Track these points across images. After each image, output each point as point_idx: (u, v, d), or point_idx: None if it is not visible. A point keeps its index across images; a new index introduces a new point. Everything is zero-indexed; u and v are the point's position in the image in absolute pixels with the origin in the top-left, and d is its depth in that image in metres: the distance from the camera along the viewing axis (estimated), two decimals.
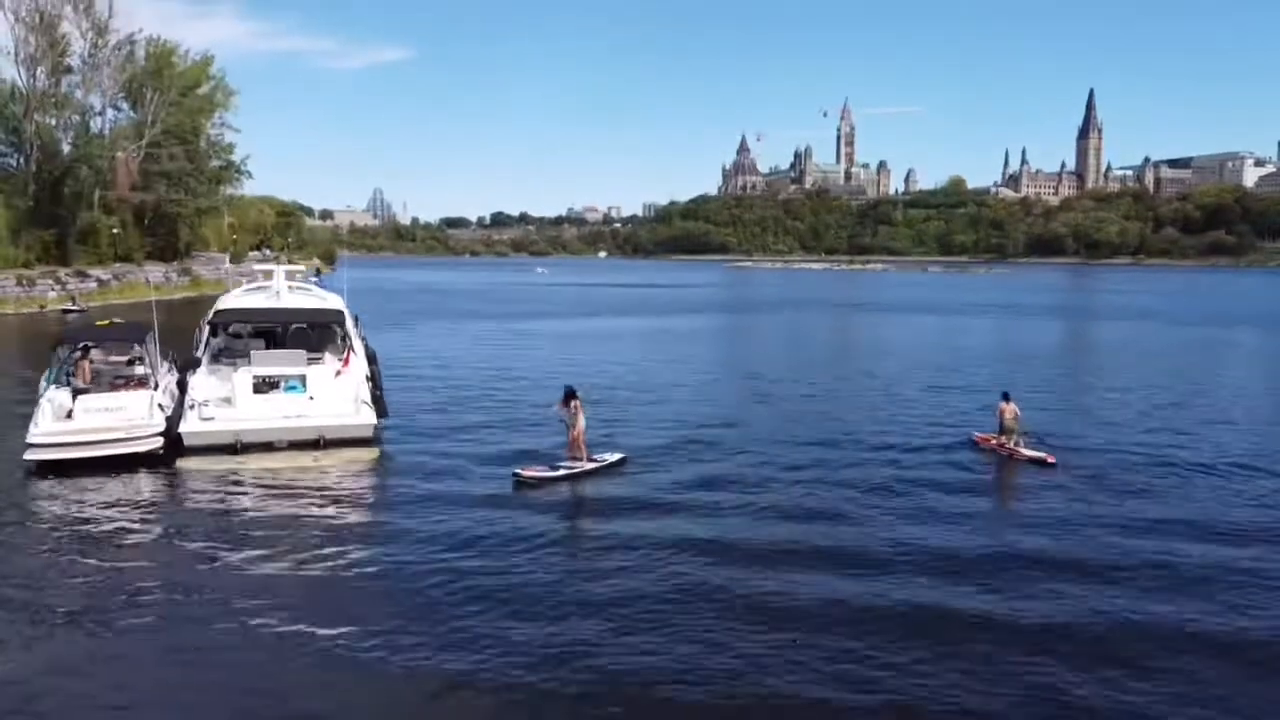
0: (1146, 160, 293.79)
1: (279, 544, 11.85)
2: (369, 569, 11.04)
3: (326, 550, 11.64)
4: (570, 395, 16.24)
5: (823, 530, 12.96)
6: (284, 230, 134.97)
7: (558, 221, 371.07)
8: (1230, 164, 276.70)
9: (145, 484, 15.13)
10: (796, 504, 14.38)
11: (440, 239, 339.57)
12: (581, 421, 16.23)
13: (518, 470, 15.46)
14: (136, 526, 12.82)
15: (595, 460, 16.26)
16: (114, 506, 13.78)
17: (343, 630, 9.14)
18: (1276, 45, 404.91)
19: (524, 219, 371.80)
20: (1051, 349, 42.98)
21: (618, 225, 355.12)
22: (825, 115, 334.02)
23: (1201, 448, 18.95)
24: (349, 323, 19.78)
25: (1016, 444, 18.26)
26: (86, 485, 14.85)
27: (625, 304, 74.59)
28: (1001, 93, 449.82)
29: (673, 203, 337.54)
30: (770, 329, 54.30)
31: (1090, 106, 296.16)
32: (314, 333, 20.16)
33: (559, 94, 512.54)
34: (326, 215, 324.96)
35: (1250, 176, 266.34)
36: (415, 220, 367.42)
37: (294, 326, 20.61)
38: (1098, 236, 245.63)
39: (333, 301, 20.76)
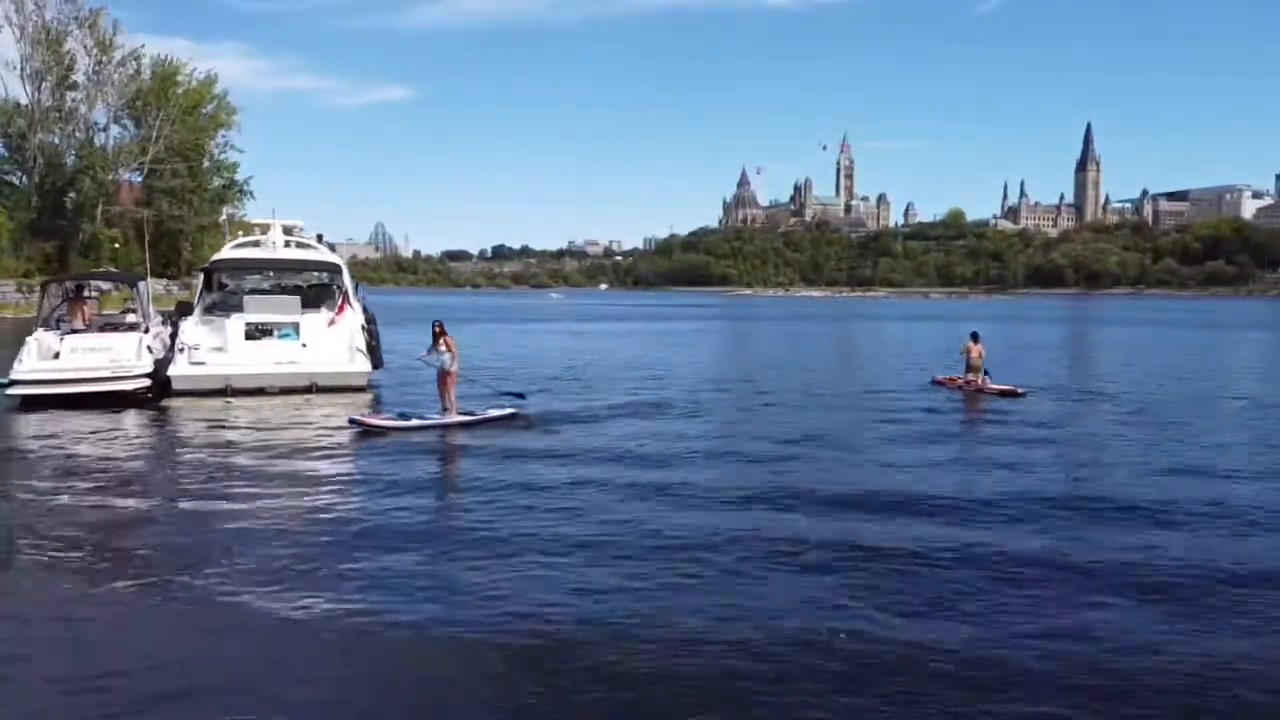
0: (1144, 193, 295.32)
1: (253, 487, 10.75)
2: (341, 513, 9.85)
3: (302, 491, 10.61)
4: (439, 332, 14.37)
5: (773, 468, 12.21)
6: None
7: (559, 254, 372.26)
8: (1228, 196, 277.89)
9: (129, 423, 14.95)
10: (741, 450, 13.22)
11: (441, 271, 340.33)
12: (453, 365, 14.26)
13: (355, 416, 13.96)
14: (110, 464, 12.09)
15: (470, 414, 14.25)
16: (93, 443, 13.38)
17: (317, 576, 7.63)
18: (1273, 79, 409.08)
19: (525, 252, 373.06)
20: (1046, 341, 43.69)
21: (619, 258, 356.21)
22: (825, 149, 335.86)
23: (1172, 392, 20.36)
24: (346, 277, 19.72)
25: (983, 381, 18.49)
26: (69, 422, 14.65)
27: (630, 314, 75.57)
28: (1000, 126, 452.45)
29: (673, 236, 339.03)
30: (764, 330, 54.70)
31: (1088, 140, 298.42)
32: (312, 292, 20.23)
33: (559, 129, 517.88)
34: (329, 248, 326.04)
35: (1248, 209, 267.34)
36: (417, 253, 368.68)
37: (291, 283, 20.60)
38: (1097, 268, 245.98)
39: (331, 256, 20.78)
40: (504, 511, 9.51)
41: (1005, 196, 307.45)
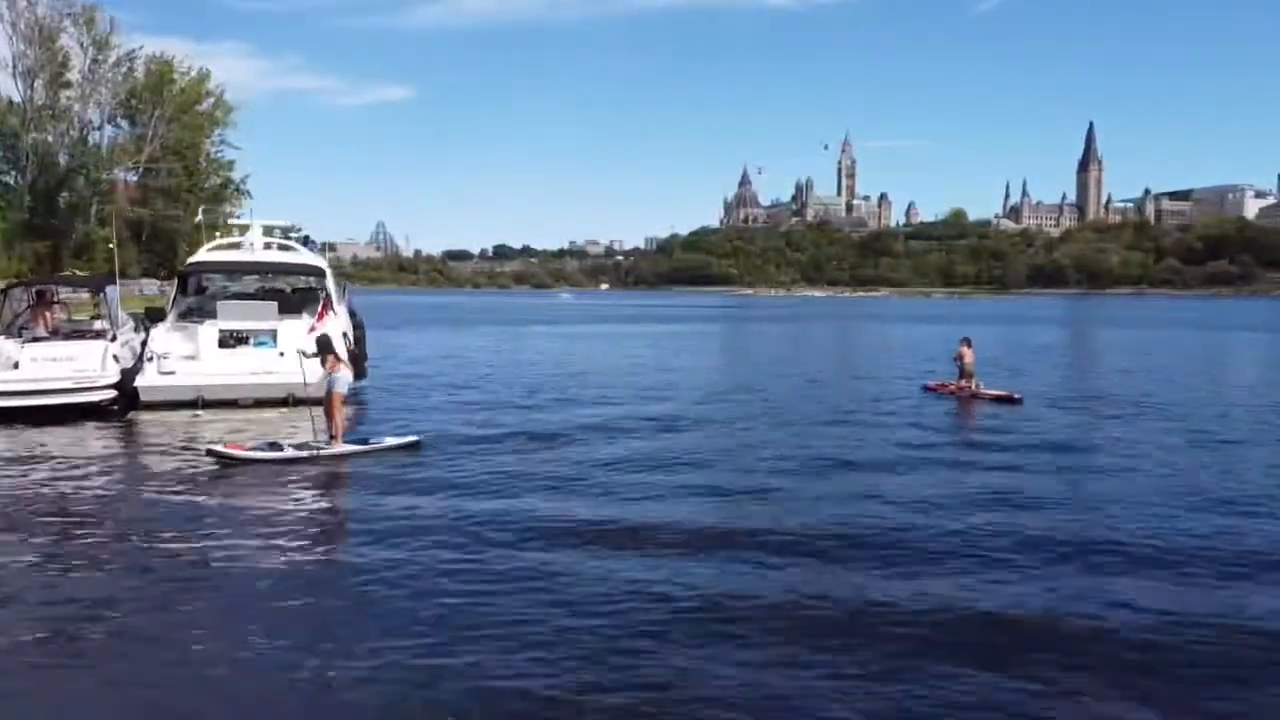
0: (1147, 192, 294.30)
1: (215, 513, 9.88)
2: (309, 539, 9.10)
3: (264, 523, 9.64)
4: (324, 347, 12.51)
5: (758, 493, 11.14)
6: None
7: (560, 254, 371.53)
8: (1231, 196, 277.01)
9: (90, 439, 14.07)
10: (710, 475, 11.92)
11: (442, 271, 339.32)
12: (341, 385, 12.34)
13: (213, 445, 12.21)
14: (71, 482, 11.19)
15: (363, 442, 12.61)
16: (55, 459, 12.52)
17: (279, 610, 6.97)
18: (1275, 78, 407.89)
19: (526, 251, 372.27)
20: (1046, 343, 43.31)
21: (619, 258, 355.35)
22: (826, 148, 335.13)
23: (1175, 397, 19.70)
24: (329, 280, 18.99)
25: (977, 386, 18.15)
26: (26, 439, 13.81)
27: (642, 315, 75.47)
28: (1001, 125, 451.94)
29: (674, 235, 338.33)
30: (764, 332, 54.08)
31: (1090, 139, 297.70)
32: (296, 296, 19.60)
33: (560, 128, 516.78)
34: (329, 247, 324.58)
35: (1251, 208, 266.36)
36: (418, 252, 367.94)
37: (274, 287, 20.01)
38: (1099, 268, 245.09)
39: (314, 259, 20.08)
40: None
41: (1007, 196, 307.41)
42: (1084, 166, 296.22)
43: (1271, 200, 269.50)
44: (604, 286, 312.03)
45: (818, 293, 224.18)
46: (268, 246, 19.67)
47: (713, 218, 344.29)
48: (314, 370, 13.94)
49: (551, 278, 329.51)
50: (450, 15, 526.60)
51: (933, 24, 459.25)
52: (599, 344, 37.65)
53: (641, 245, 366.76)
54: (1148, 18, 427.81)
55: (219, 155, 79.49)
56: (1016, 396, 17.68)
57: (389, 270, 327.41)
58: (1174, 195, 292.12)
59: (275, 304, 17.63)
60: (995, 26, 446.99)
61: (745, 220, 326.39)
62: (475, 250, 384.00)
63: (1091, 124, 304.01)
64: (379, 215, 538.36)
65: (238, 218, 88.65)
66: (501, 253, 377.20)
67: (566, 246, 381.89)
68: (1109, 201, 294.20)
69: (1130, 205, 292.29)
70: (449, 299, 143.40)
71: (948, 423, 16.30)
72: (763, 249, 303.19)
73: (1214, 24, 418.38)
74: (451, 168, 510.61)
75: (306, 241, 24.14)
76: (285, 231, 21.40)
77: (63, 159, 64.57)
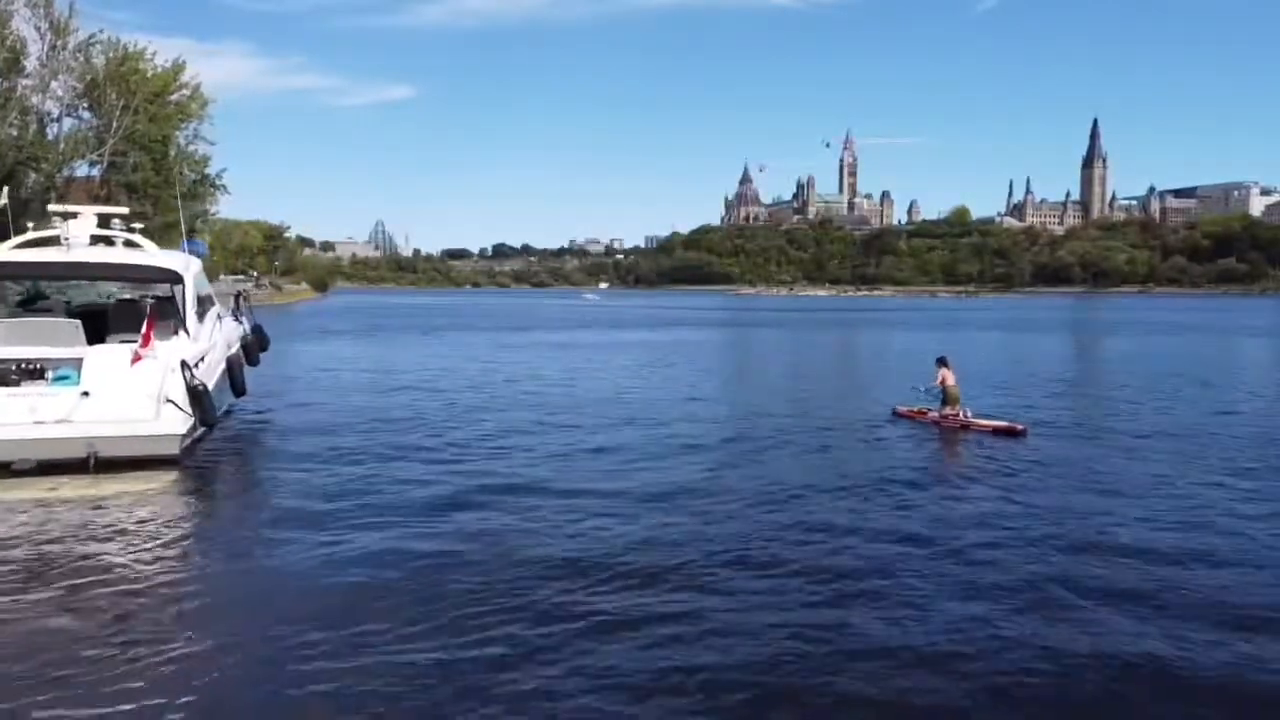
0: (1151, 189, 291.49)
1: None
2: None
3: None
4: None
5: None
6: (272, 253, 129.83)
7: (559, 253, 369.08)
8: (1236, 193, 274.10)
9: None
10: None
11: (442, 270, 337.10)
12: None
13: None
14: None
15: None
16: None
17: None
18: None
19: (526, 250, 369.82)
20: (1057, 351, 40.25)
21: (620, 257, 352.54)
22: (828, 146, 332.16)
23: (1226, 423, 16.44)
24: (187, 289, 14.08)
25: (966, 414, 14.91)
26: None
27: (664, 318, 71.87)
28: (1004, 123, 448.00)
29: (675, 234, 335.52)
30: (760, 338, 50.94)
31: (1094, 136, 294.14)
32: (156, 309, 14.10)
33: (560, 127, 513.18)
34: (328, 246, 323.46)
35: (1257, 205, 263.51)
36: (417, 251, 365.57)
37: (121, 299, 15.23)
38: (1105, 265, 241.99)
39: (167, 259, 14.95)
40: None
41: (1010, 193, 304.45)
42: (1088, 163, 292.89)
43: (1277, 198, 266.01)
44: (604, 285, 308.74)
45: (820, 292, 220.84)
46: (109, 242, 14.87)
47: (714, 216, 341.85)
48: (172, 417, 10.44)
49: (551, 277, 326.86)
50: (452, 15, 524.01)
51: (935, 21, 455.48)
52: (583, 360, 32.15)
53: (642, 244, 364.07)
54: (1151, 14, 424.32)
55: (191, 149, 75.95)
56: (1019, 427, 14.23)
57: (388, 269, 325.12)
58: (1179, 193, 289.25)
59: (78, 324, 12.84)
60: (998, 23, 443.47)
61: (746, 218, 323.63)
62: (475, 249, 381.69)
63: (1095, 121, 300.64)
64: (379, 214, 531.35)
65: (214, 214, 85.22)
66: (501, 251, 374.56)
67: (566, 245, 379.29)
68: (1113, 199, 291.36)
69: (1135, 203, 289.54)
70: (449, 299, 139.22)
71: (932, 460, 12.87)
72: (764, 247, 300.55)
73: (1218, 20, 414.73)
74: (451, 167, 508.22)
75: (201, 250, 20.02)
76: (127, 220, 16.15)
77: (10, 152, 60.93)
